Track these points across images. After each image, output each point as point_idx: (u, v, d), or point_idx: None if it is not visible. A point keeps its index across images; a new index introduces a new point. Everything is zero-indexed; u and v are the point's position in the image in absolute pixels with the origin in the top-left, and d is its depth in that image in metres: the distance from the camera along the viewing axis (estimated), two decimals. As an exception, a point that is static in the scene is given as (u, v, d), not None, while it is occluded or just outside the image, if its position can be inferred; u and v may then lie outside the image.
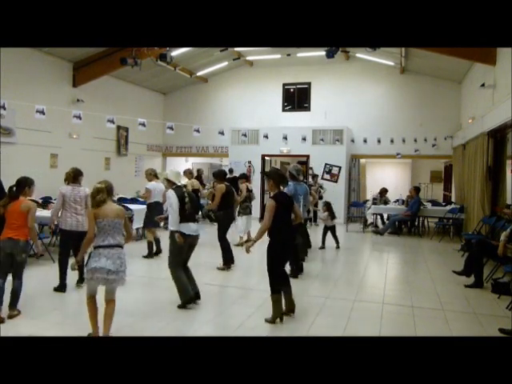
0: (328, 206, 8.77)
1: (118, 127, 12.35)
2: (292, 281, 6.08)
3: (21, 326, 4.02)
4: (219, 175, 7.03)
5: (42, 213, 7.10)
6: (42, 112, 8.17)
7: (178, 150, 15.20)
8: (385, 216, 12.15)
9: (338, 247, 8.60)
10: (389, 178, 16.16)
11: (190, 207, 4.66)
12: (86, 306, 3.75)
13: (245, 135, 12.77)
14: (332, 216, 8.69)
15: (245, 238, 8.51)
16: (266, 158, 13.69)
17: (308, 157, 12.97)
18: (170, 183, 4.86)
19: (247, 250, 4.30)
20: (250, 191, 8.68)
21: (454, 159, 11.99)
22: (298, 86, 14.12)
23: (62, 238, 5.49)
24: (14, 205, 4.32)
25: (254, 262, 7.07)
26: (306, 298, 5.22)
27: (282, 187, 4.50)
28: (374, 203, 11.50)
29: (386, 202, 11.62)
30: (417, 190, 10.77)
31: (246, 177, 9.06)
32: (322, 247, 8.57)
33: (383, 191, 11.96)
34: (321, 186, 11.84)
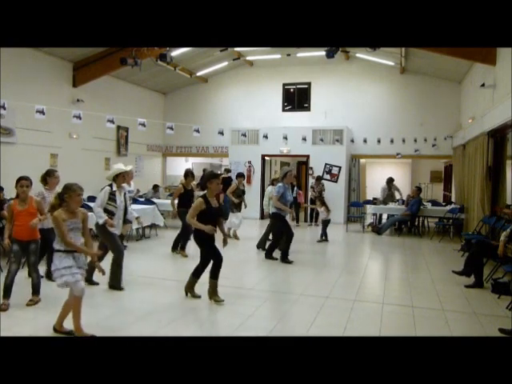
0: (322, 201, 9.59)
1: (118, 127, 12.35)
2: (291, 281, 6.15)
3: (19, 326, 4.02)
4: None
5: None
6: (42, 112, 8.16)
7: (178, 150, 15.20)
8: (384, 216, 12.08)
9: (326, 240, 9.28)
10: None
11: None
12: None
13: (245, 135, 12.76)
14: (327, 208, 9.38)
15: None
16: (266, 158, 13.69)
17: (308, 157, 12.97)
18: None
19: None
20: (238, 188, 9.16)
21: (454, 159, 11.99)
22: (298, 86, 14.11)
23: None
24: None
25: (253, 262, 7.09)
26: (306, 297, 5.22)
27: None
28: (374, 203, 11.49)
29: (392, 196, 11.62)
30: (418, 190, 10.78)
31: (242, 175, 9.65)
32: (325, 240, 9.32)
33: (389, 181, 11.86)
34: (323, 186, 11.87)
